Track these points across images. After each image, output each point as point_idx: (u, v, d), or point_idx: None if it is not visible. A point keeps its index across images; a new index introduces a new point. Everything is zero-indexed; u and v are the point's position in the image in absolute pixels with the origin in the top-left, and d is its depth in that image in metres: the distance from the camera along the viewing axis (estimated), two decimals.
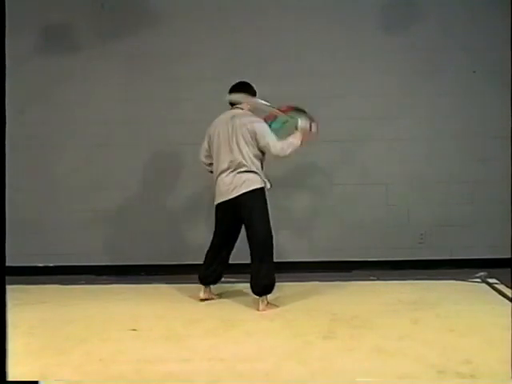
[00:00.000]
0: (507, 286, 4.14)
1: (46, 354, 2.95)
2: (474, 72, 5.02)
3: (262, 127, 3.82)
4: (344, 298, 4.10)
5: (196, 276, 4.10)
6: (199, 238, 4.22)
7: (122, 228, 5.19)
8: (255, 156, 3.84)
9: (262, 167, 3.91)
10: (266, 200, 3.89)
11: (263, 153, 3.89)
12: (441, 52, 5.04)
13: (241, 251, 4.01)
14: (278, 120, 3.96)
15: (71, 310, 3.90)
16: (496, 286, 4.29)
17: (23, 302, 3.92)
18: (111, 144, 5.13)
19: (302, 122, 3.89)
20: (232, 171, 3.83)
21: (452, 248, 5.07)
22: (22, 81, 4.89)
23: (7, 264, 1.90)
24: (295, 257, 5.05)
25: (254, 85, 4.05)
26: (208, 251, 4.06)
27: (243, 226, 3.93)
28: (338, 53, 5.07)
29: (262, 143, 3.80)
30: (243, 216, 3.84)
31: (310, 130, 3.92)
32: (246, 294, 4.02)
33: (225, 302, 4.08)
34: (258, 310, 3.79)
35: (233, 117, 3.88)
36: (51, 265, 5.13)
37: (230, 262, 4.11)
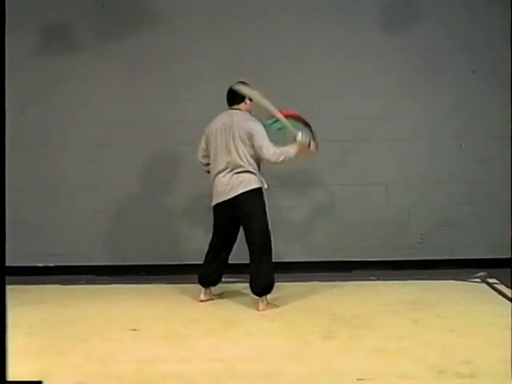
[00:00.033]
0: (507, 286, 4.14)
1: (45, 354, 2.95)
2: (474, 72, 5.02)
3: (258, 129, 3.80)
4: (344, 298, 4.10)
5: (196, 276, 4.10)
6: (199, 238, 4.22)
7: (121, 228, 5.19)
8: (252, 156, 3.83)
9: (259, 168, 3.91)
10: (263, 200, 3.89)
11: None
12: (441, 52, 5.04)
13: (241, 251, 4.01)
14: (278, 122, 3.93)
15: (71, 309, 3.90)
16: (496, 286, 4.29)
17: (23, 302, 3.92)
18: (111, 144, 5.13)
19: (301, 136, 3.85)
20: (229, 171, 3.83)
21: (452, 248, 5.07)
22: (22, 81, 4.90)
23: (7, 264, 1.91)
24: (295, 257, 5.05)
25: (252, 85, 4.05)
26: (207, 252, 4.06)
27: (241, 226, 3.93)
28: (337, 53, 5.07)
29: (256, 144, 3.78)
30: (241, 216, 3.84)
31: (309, 146, 3.87)
32: (245, 294, 4.02)
33: (225, 302, 4.08)
34: (257, 310, 3.79)
35: (231, 117, 3.88)
36: (51, 265, 5.13)
37: (230, 262, 4.11)
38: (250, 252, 3.86)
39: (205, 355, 2.92)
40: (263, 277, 3.79)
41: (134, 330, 3.38)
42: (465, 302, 3.89)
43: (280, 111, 3.89)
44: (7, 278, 1.89)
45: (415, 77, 5.04)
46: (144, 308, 3.91)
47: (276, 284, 3.92)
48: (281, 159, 3.77)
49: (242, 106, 3.97)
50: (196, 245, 4.26)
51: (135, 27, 5.06)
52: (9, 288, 1.89)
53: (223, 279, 4.15)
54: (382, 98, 5.07)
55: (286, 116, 3.89)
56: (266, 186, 3.90)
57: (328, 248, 5.09)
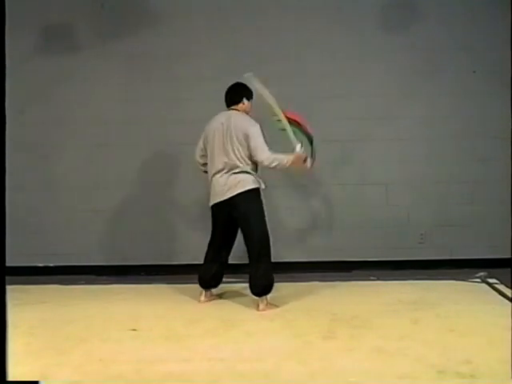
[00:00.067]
0: (507, 286, 4.14)
1: (46, 354, 2.95)
2: (474, 72, 5.02)
3: (255, 130, 3.80)
4: (344, 298, 4.10)
5: (196, 276, 4.09)
6: (199, 238, 4.21)
7: (121, 228, 5.19)
8: (249, 157, 3.82)
9: (256, 168, 3.90)
10: (261, 200, 3.89)
11: None
12: (441, 52, 5.04)
13: (240, 251, 4.01)
14: (281, 123, 3.92)
15: (71, 309, 3.90)
16: (496, 285, 4.29)
17: (23, 302, 3.92)
18: (111, 144, 5.13)
19: (299, 149, 3.86)
20: (226, 172, 3.83)
21: (452, 248, 5.07)
22: (22, 81, 4.89)
23: (7, 264, 1.90)
24: (295, 257, 5.05)
25: (251, 85, 4.04)
26: (207, 252, 4.05)
27: (239, 227, 3.93)
28: (338, 53, 5.07)
29: (251, 145, 3.77)
30: (238, 217, 3.84)
31: (304, 161, 3.87)
32: (245, 294, 4.02)
33: (225, 302, 4.08)
34: (257, 310, 3.79)
35: (228, 118, 3.88)
36: (51, 265, 5.13)
37: (230, 262, 4.11)
38: (248, 252, 3.86)
39: (205, 355, 2.92)
40: (262, 277, 3.80)
41: (134, 330, 3.38)
42: (465, 302, 3.89)
43: (285, 113, 3.88)
44: (7, 278, 1.89)
45: (415, 77, 5.04)
46: (144, 308, 3.91)
47: (276, 284, 3.92)
48: (273, 165, 3.77)
49: (240, 106, 3.96)
50: (196, 245, 4.26)
51: (135, 27, 5.06)
52: (9, 288, 1.88)
53: (223, 279, 4.14)
54: (382, 98, 5.07)
55: (290, 119, 3.88)
56: (263, 187, 3.90)
57: (328, 248, 5.09)
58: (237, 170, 3.81)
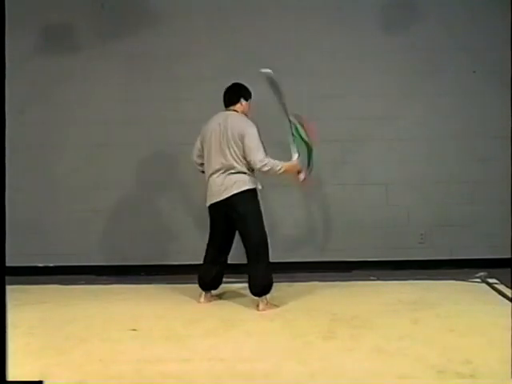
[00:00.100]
0: (507, 286, 4.14)
1: (46, 354, 2.95)
2: (474, 72, 5.02)
3: (251, 131, 3.78)
4: (344, 298, 4.10)
5: (196, 276, 4.09)
6: (199, 238, 4.21)
7: (121, 228, 5.19)
8: (246, 158, 3.82)
9: (253, 169, 3.89)
10: (258, 201, 3.89)
11: None
12: (441, 52, 5.04)
13: (240, 251, 4.01)
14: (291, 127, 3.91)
15: (71, 309, 3.90)
16: (496, 286, 4.29)
17: (23, 302, 3.92)
18: (111, 144, 5.13)
19: (296, 159, 3.86)
20: (223, 172, 3.83)
21: (452, 248, 5.07)
22: (22, 81, 4.89)
23: (7, 264, 1.91)
24: (295, 257, 5.05)
25: (251, 85, 4.05)
26: (206, 253, 4.05)
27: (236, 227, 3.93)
28: (337, 53, 5.07)
29: (246, 146, 3.76)
30: (235, 217, 3.84)
31: (298, 173, 3.88)
32: (245, 294, 4.02)
33: (225, 302, 4.08)
34: (257, 309, 3.79)
35: (226, 118, 3.87)
36: (51, 265, 5.13)
37: (230, 262, 4.11)
38: (246, 253, 3.87)
39: (205, 355, 2.92)
40: (261, 277, 3.80)
41: (134, 330, 3.38)
42: (465, 302, 3.89)
43: (300, 120, 3.87)
44: (7, 278, 1.89)
45: (415, 77, 5.04)
46: (144, 308, 3.91)
47: (276, 284, 3.92)
48: (265, 169, 3.76)
49: (237, 107, 3.96)
50: (196, 245, 4.26)
51: (135, 27, 5.06)
52: (9, 288, 1.89)
53: (223, 279, 4.14)
54: (382, 98, 5.07)
55: (302, 127, 3.88)
56: (259, 187, 3.90)
57: (328, 248, 5.10)
58: (233, 171, 3.81)
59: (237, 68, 4.90)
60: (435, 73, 5.04)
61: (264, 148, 3.79)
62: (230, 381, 2.60)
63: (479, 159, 5.04)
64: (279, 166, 3.78)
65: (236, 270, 4.24)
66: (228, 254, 4.06)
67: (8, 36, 1.93)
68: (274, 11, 5.07)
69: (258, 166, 3.75)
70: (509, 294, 3.99)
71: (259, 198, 3.92)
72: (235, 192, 3.79)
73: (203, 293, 4.06)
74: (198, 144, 4.04)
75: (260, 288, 3.82)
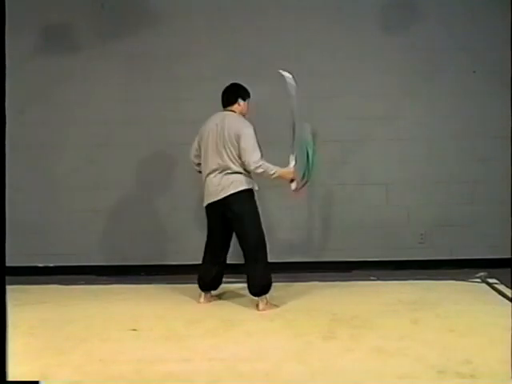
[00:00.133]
0: (507, 286, 4.14)
1: (46, 354, 2.95)
2: (474, 72, 5.02)
3: (247, 132, 3.78)
4: (344, 298, 4.10)
5: (196, 276, 4.09)
6: (199, 238, 4.21)
7: (121, 228, 5.19)
8: (241, 158, 3.81)
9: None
10: (254, 201, 3.89)
11: None
12: (441, 52, 5.04)
13: (240, 251, 4.00)
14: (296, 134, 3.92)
15: (71, 309, 3.90)
16: (496, 286, 4.29)
17: (23, 302, 3.92)
18: (111, 144, 5.13)
19: (293, 166, 3.86)
20: (220, 172, 3.83)
21: (452, 248, 5.07)
22: (22, 81, 4.89)
23: (7, 264, 1.90)
24: (295, 257, 5.05)
25: (251, 85, 4.05)
26: (205, 253, 4.05)
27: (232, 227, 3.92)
28: (338, 53, 5.07)
29: (241, 146, 3.75)
30: (231, 217, 3.84)
31: (291, 181, 3.87)
32: (245, 294, 4.01)
33: (225, 302, 4.08)
34: (257, 309, 3.79)
35: (223, 119, 3.87)
36: (51, 265, 5.13)
37: (230, 262, 4.11)
38: (243, 253, 3.87)
39: (205, 355, 2.92)
40: (260, 277, 3.80)
41: (134, 329, 3.38)
42: (465, 302, 3.89)
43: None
44: (7, 278, 1.89)
45: (415, 77, 5.04)
46: (144, 308, 3.91)
47: (276, 284, 3.92)
48: (259, 171, 3.76)
49: (235, 107, 3.96)
50: (196, 245, 4.25)
51: (135, 27, 5.06)
52: (9, 288, 1.89)
53: (223, 279, 4.14)
54: (382, 98, 5.07)
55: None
56: (256, 188, 3.90)
57: (328, 248, 5.10)
58: (230, 171, 3.81)
59: (237, 68, 4.91)
60: (435, 73, 5.04)
61: (260, 150, 3.78)
62: (230, 381, 2.60)
63: (479, 159, 5.04)
64: (273, 170, 3.78)
65: (236, 270, 4.24)
66: (226, 253, 4.06)
67: (8, 36, 1.93)
68: (273, 11, 5.07)
69: (252, 167, 3.74)
70: (509, 293, 3.99)
71: (256, 198, 3.92)
72: (232, 192, 3.79)
73: (203, 293, 4.06)
74: (195, 144, 4.05)
75: (259, 288, 3.82)
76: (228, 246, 4.04)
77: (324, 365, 2.75)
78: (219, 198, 3.83)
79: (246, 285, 3.91)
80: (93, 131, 5.12)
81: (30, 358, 2.86)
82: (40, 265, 5.12)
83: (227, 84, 4.04)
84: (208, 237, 4.04)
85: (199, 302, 4.03)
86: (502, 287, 4.21)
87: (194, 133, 4.13)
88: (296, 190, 3.92)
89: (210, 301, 4.07)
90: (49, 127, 5.15)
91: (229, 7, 5.07)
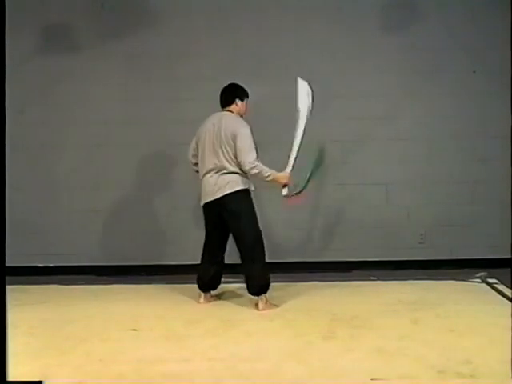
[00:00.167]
0: (507, 286, 4.14)
1: (46, 354, 2.95)
2: (474, 72, 5.02)
3: (244, 132, 3.77)
4: (344, 298, 4.10)
5: (195, 276, 4.09)
6: (199, 238, 4.21)
7: (121, 228, 5.19)
8: (237, 158, 3.81)
9: None
10: (250, 201, 3.88)
11: None
12: (441, 52, 5.04)
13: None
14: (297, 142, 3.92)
15: (71, 309, 3.90)
16: (496, 285, 4.29)
17: (23, 302, 3.92)
18: (111, 144, 5.13)
19: (289, 171, 3.86)
20: (216, 172, 3.83)
21: (452, 248, 5.07)
22: (21, 81, 4.89)
23: (7, 264, 1.90)
24: (295, 257, 5.05)
25: (250, 85, 4.05)
26: (203, 252, 4.05)
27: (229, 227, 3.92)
28: (338, 53, 5.07)
29: (237, 146, 3.75)
30: (227, 217, 3.84)
31: (283, 186, 3.85)
32: (245, 294, 4.01)
33: (224, 302, 4.08)
34: (257, 309, 3.80)
35: (220, 119, 3.87)
36: (51, 265, 5.13)
37: (230, 262, 4.11)
38: (240, 253, 3.87)
39: (205, 355, 2.92)
40: (259, 277, 3.81)
41: (134, 329, 3.38)
42: (465, 302, 3.89)
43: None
44: (7, 278, 1.89)
45: (415, 77, 5.04)
46: (144, 308, 3.91)
47: (276, 284, 3.92)
48: (254, 171, 3.75)
49: (233, 107, 3.96)
50: (196, 245, 4.25)
51: (135, 27, 5.06)
52: (9, 288, 1.89)
53: (223, 279, 4.14)
54: (382, 98, 5.07)
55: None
56: (252, 188, 3.90)
57: (328, 248, 5.10)
58: (226, 171, 3.81)
59: (237, 68, 4.91)
60: (435, 73, 5.04)
61: (257, 150, 3.78)
62: (230, 381, 2.60)
63: (479, 159, 5.04)
64: (268, 172, 3.78)
65: (235, 270, 4.24)
66: (224, 252, 4.05)
67: (8, 36, 1.93)
68: (273, 11, 5.07)
69: (247, 167, 3.74)
70: (509, 293, 3.99)
71: (253, 198, 3.91)
72: (228, 192, 3.79)
73: (202, 293, 4.06)
74: (193, 144, 4.05)
75: (257, 288, 3.82)
76: (225, 246, 4.04)
77: (324, 365, 2.75)
78: (215, 197, 3.83)
79: (245, 285, 3.91)
80: (93, 131, 5.12)
81: (29, 357, 2.86)
82: (40, 265, 5.12)
83: (227, 84, 4.04)
84: (206, 236, 4.04)
85: (199, 303, 4.03)
86: (502, 287, 4.21)
87: (193, 133, 4.13)
88: (288, 196, 3.89)
89: (209, 301, 4.07)
90: (49, 127, 5.15)
91: (229, 7, 5.07)
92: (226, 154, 3.79)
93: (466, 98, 5.04)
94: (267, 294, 3.85)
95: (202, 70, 5.02)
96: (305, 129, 3.90)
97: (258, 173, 3.75)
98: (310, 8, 5.06)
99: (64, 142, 5.15)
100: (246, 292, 3.93)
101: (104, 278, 4.90)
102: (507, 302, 3.84)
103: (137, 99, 5.11)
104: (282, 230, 4.99)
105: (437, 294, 4.13)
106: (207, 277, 4.02)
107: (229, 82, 4.03)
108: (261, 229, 3.89)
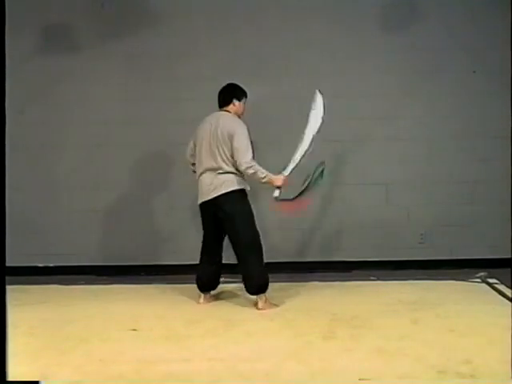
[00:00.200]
0: (507, 286, 4.14)
1: (46, 354, 2.95)
2: (474, 72, 5.03)
3: (240, 131, 3.77)
4: (344, 297, 4.10)
5: (195, 276, 4.09)
6: (199, 238, 4.21)
7: (121, 228, 5.19)
8: (233, 157, 3.81)
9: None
10: (246, 201, 3.88)
11: None
12: (441, 52, 5.04)
13: None
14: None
15: (71, 309, 3.90)
16: (496, 285, 4.29)
17: (23, 302, 3.92)
18: (111, 144, 5.13)
19: (286, 175, 3.84)
20: (212, 172, 3.83)
21: (452, 248, 5.07)
22: (21, 81, 4.89)
23: (7, 264, 1.90)
24: (295, 257, 5.05)
25: (250, 85, 4.06)
26: (202, 253, 4.05)
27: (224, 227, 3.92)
28: (338, 53, 5.07)
29: (234, 145, 3.74)
30: (222, 217, 3.84)
31: (277, 187, 3.83)
32: (245, 294, 4.01)
33: (224, 302, 4.08)
34: (257, 308, 3.80)
35: (217, 119, 3.87)
36: (51, 265, 5.13)
37: (230, 262, 4.11)
38: (235, 253, 3.87)
39: (205, 355, 2.92)
40: (258, 277, 3.81)
41: (134, 329, 3.38)
42: (465, 302, 3.89)
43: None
44: (7, 278, 1.89)
45: (415, 77, 5.04)
46: (144, 308, 3.91)
47: (276, 284, 3.92)
48: (250, 171, 3.74)
49: (230, 107, 3.96)
50: (196, 245, 4.25)
51: (135, 27, 5.06)
52: (9, 288, 1.89)
53: (223, 279, 4.15)
54: (382, 98, 5.07)
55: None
56: (248, 189, 3.90)
57: (328, 248, 5.09)
58: (222, 171, 3.81)
59: (237, 68, 4.91)
60: (435, 73, 5.04)
61: (253, 151, 3.78)
62: (230, 381, 2.60)
63: (479, 159, 5.04)
64: (264, 173, 3.77)
65: (235, 270, 4.24)
66: (221, 253, 4.05)
67: (8, 36, 1.93)
68: (273, 11, 5.07)
69: (243, 167, 3.73)
70: (509, 293, 3.99)
71: (249, 198, 3.90)
72: (223, 192, 3.79)
73: (202, 294, 4.06)
74: (191, 144, 4.06)
75: (256, 288, 3.83)
76: (221, 246, 4.04)
77: (324, 365, 2.75)
78: (211, 197, 3.83)
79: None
80: (92, 131, 5.12)
81: (29, 357, 2.86)
82: (40, 265, 5.12)
83: (225, 84, 4.04)
84: (204, 236, 4.05)
85: (199, 303, 4.03)
86: (502, 287, 4.21)
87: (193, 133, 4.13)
88: (277, 198, 3.85)
89: (209, 301, 4.07)
90: (49, 127, 5.15)
91: (229, 7, 5.07)
92: (223, 153, 3.79)
93: (466, 98, 5.04)
94: (266, 294, 3.85)
95: (201, 70, 5.02)
96: (311, 142, 3.90)
97: (254, 173, 3.75)
98: (310, 8, 5.06)
99: (64, 142, 5.15)
100: (246, 292, 3.93)
101: (104, 277, 4.90)
102: (507, 302, 3.84)
103: (137, 99, 5.11)
104: (281, 230, 4.99)
105: (437, 294, 4.13)
106: (206, 277, 4.02)
107: (231, 82, 4.03)
108: (258, 229, 3.88)
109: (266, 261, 3.90)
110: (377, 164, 5.09)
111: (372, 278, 4.70)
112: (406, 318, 3.49)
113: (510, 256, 3.21)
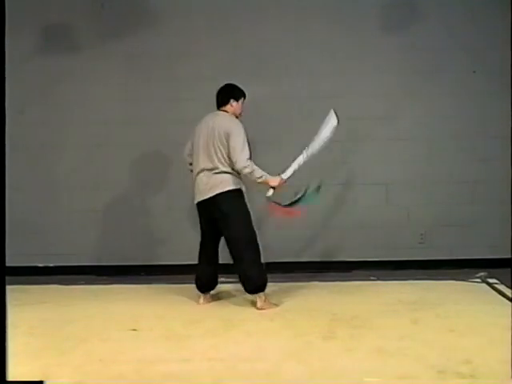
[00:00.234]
0: (507, 286, 4.14)
1: (46, 354, 2.95)
2: (474, 72, 5.03)
3: (237, 131, 3.77)
4: (344, 297, 4.10)
5: (194, 276, 4.09)
6: (199, 238, 4.21)
7: (121, 228, 5.19)
8: (230, 157, 3.80)
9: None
10: (243, 201, 3.87)
11: None
12: (441, 52, 5.04)
13: None
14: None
15: (71, 309, 3.90)
16: (496, 285, 4.29)
17: (23, 303, 3.92)
18: (111, 144, 5.13)
19: (283, 178, 3.83)
20: (209, 171, 3.83)
21: (452, 248, 5.07)
22: (21, 81, 4.90)
23: (7, 264, 1.91)
24: (294, 257, 5.05)
25: (249, 86, 4.06)
26: (200, 252, 4.05)
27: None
28: (338, 53, 5.07)
29: (230, 145, 3.74)
30: (218, 217, 3.83)
31: (271, 188, 3.79)
32: (244, 294, 4.01)
33: (224, 302, 4.08)
34: (256, 307, 3.79)
35: (215, 118, 3.88)
36: (51, 265, 5.13)
37: (230, 262, 4.10)
38: (230, 252, 3.86)
39: (205, 355, 2.92)
40: (256, 277, 3.80)
41: (134, 329, 3.38)
42: (465, 302, 3.88)
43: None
44: (7, 278, 1.89)
45: (415, 77, 5.04)
46: (144, 308, 3.91)
47: (276, 284, 3.92)
48: (246, 171, 3.73)
49: (227, 107, 3.95)
50: (196, 245, 4.25)
51: (135, 27, 5.06)
52: (9, 288, 1.89)
53: (223, 279, 4.15)
54: (382, 98, 5.07)
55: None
56: (244, 189, 3.89)
57: (328, 248, 5.09)
58: (219, 170, 3.80)
59: (237, 68, 4.91)
60: (435, 73, 5.04)
61: (250, 150, 3.77)
62: (230, 381, 2.60)
63: (479, 159, 5.04)
64: (260, 174, 3.76)
65: (232, 270, 4.24)
66: (218, 249, 4.04)
67: (8, 36, 1.93)
68: (273, 11, 5.07)
69: (240, 166, 3.73)
70: (509, 293, 3.98)
71: (245, 198, 3.90)
72: (219, 192, 3.79)
73: (202, 294, 4.05)
74: (189, 144, 4.07)
75: (253, 287, 3.82)
76: (217, 246, 4.04)
77: (324, 365, 2.75)
78: (207, 197, 3.83)
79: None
80: (92, 131, 5.12)
81: (30, 357, 2.86)
82: (40, 265, 5.12)
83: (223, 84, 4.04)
84: (201, 236, 4.05)
85: (199, 304, 4.03)
86: (502, 287, 4.21)
87: None
88: (270, 199, 3.83)
89: (209, 301, 4.06)
90: (49, 127, 5.16)
91: (229, 7, 5.08)
92: (219, 153, 3.79)
93: (466, 98, 5.04)
94: (268, 295, 3.84)
95: (201, 70, 5.02)
96: (315, 153, 3.90)
97: (250, 172, 3.74)
98: (309, 8, 5.06)
99: (64, 142, 5.16)
100: (245, 291, 3.93)
101: (104, 277, 4.90)
102: (507, 301, 3.83)
103: (137, 99, 5.11)
104: (281, 230, 4.98)
105: (437, 293, 4.13)
106: (205, 277, 4.02)
107: (231, 82, 4.03)
108: (255, 229, 3.87)
109: (265, 261, 3.90)
110: (377, 164, 5.09)
111: (372, 278, 4.70)
112: (406, 318, 3.49)
113: (509, 256, 3.20)
